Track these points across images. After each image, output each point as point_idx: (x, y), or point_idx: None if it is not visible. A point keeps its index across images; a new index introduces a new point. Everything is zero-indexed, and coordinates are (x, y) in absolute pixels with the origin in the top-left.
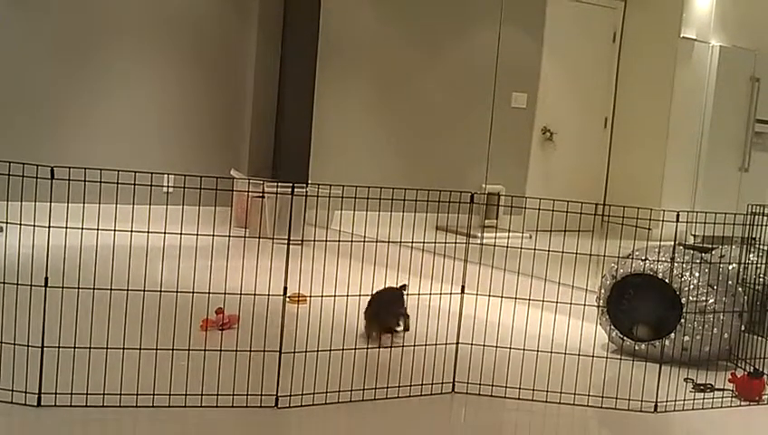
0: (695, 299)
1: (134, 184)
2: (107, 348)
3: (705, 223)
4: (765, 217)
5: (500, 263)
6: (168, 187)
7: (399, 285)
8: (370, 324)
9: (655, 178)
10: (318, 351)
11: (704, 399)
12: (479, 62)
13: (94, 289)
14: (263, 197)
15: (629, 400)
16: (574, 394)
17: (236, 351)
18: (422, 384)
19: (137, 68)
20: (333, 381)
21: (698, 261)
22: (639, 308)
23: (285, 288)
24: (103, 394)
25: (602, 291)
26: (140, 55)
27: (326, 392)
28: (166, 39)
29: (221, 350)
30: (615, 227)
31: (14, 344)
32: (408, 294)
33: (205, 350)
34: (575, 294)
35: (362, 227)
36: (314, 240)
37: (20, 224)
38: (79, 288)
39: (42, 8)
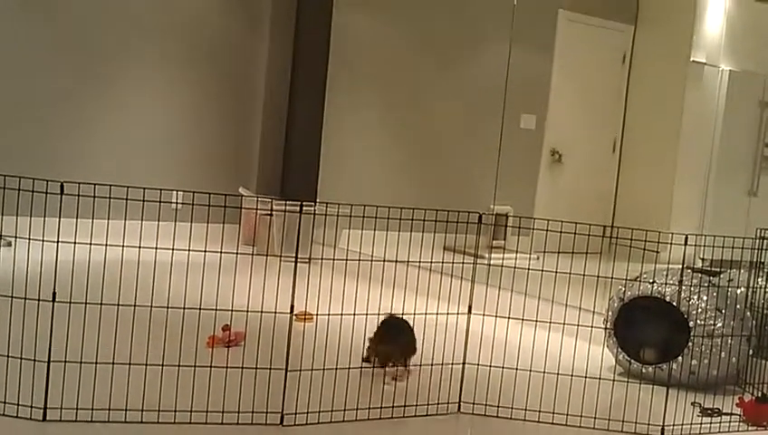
0: (702, 323)
1: (143, 200)
2: (113, 363)
3: (713, 246)
4: None
5: (507, 284)
6: (176, 203)
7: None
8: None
9: (663, 201)
10: (324, 369)
11: (711, 423)
12: (489, 83)
13: (102, 304)
14: (271, 214)
15: (636, 423)
16: (580, 416)
17: (242, 368)
18: (428, 404)
19: (147, 83)
20: (339, 399)
21: (706, 285)
22: (647, 331)
23: (292, 306)
24: (108, 409)
25: (610, 313)
26: (150, 70)
27: (331, 411)
28: (176, 56)
29: (227, 367)
30: (623, 249)
31: (21, 358)
32: (414, 314)
33: (211, 366)
34: (582, 316)
35: (370, 247)
36: (322, 258)
37: (29, 238)
38: (86, 303)
39: (53, 20)
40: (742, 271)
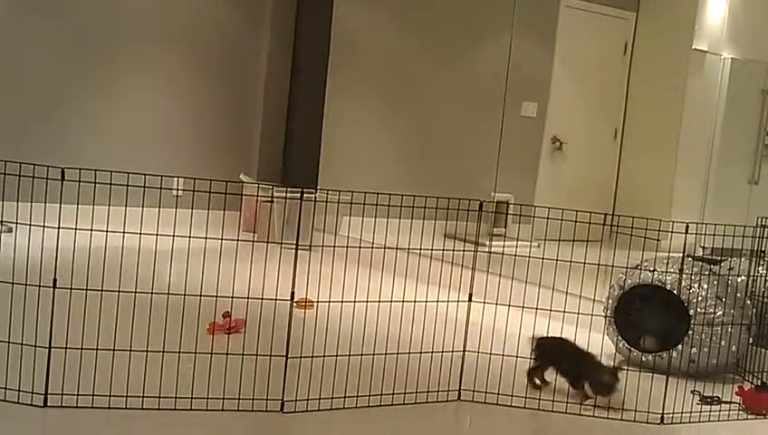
0: (703, 311)
1: (144, 187)
2: (114, 350)
3: (714, 235)
4: None
5: (508, 271)
6: (177, 190)
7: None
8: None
9: (664, 189)
10: (324, 356)
11: (710, 411)
12: (490, 71)
13: (102, 291)
14: (271, 201)
15: (636, 411)
16: (580, 404)
17: (243, 355)
18: (428, 392)
19: (149, 73)
20: (339, 386)
21: (707, 273)
22: (647, 319)
23: (293, 293)
24: (109, 396)
25: (610, 301)
26: (153, 60)
27: (332, 398)
28: (179, 45)
29: (227, 353)
30: (624, 237)
31: (22, 345)
32: (415, 302)
33: (211, 353)
34: (583, 304)
35: (371, 234)
36: (322, 245)
37: (29, 224)
38: (87, 290)
39: (56, 14)
40: (742, 259)
